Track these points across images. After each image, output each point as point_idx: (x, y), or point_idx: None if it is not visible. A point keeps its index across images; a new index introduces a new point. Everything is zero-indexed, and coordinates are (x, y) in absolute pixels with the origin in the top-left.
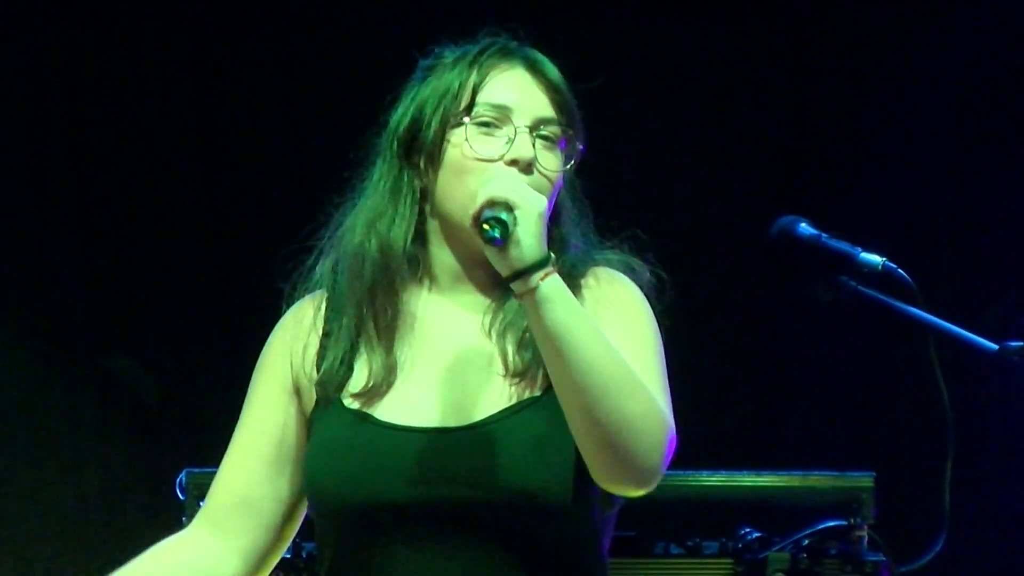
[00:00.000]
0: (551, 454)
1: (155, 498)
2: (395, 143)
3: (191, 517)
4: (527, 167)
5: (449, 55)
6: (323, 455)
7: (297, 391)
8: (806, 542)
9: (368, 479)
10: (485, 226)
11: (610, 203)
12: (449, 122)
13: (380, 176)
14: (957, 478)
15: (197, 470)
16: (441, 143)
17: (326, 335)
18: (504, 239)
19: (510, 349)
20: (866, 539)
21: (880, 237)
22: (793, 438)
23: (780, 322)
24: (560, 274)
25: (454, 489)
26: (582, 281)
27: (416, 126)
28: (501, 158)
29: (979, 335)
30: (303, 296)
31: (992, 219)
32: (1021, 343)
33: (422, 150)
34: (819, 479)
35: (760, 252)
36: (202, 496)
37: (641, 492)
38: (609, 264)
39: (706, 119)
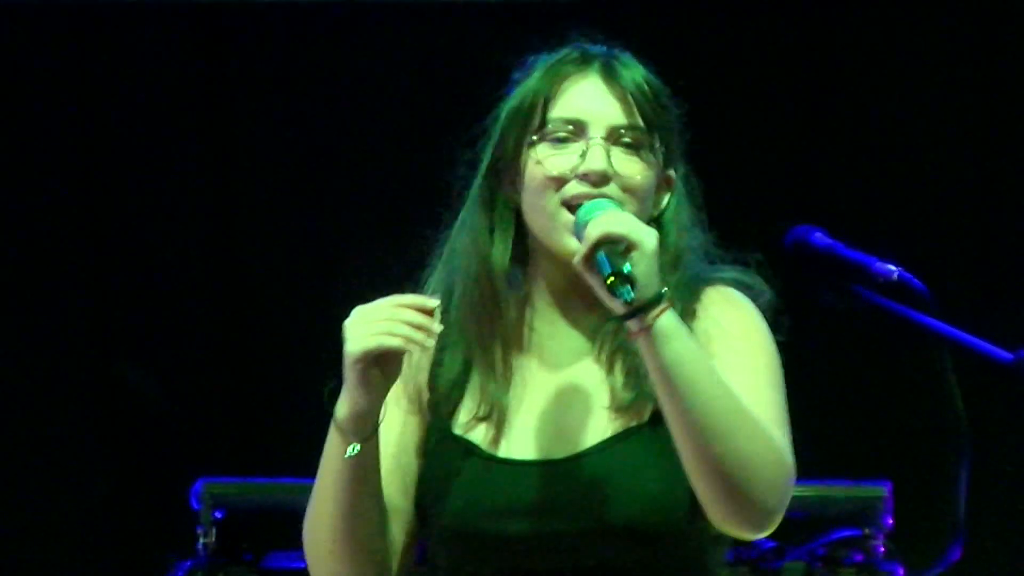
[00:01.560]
0: (654, 483)
1: (168, 507)
2: (487, 162)
3: (206, 526)
4: (601, 179)
5: (537, 65)
6: (435, 487)
7: (419, 399)
8: (822, 551)
9: (478, 514)
10: (611, 282)
11: None
12: (525, 141)
13: (478, 193)
14: (972, 487)
15: (213, 480)
16: (520, 163)
17: (440, 351)
18: (634, 292)
19: (619, 378)
20: (881, 548)
21: (895, 246)
22: (808, 448)
23: (795, 332)
24: (676, 293)
25: (560, 522)
26: (697, 302)
27: (501, 145)
28: (573, 172)
29: (994, 345)
30: None
31: (1008, 228)
32: None
33: (508, 169)
34: (834, 489)
35: (774, 261)
36: (217, 505)
37: (758, 535)
38: (725, 282)
39: (719, 125)
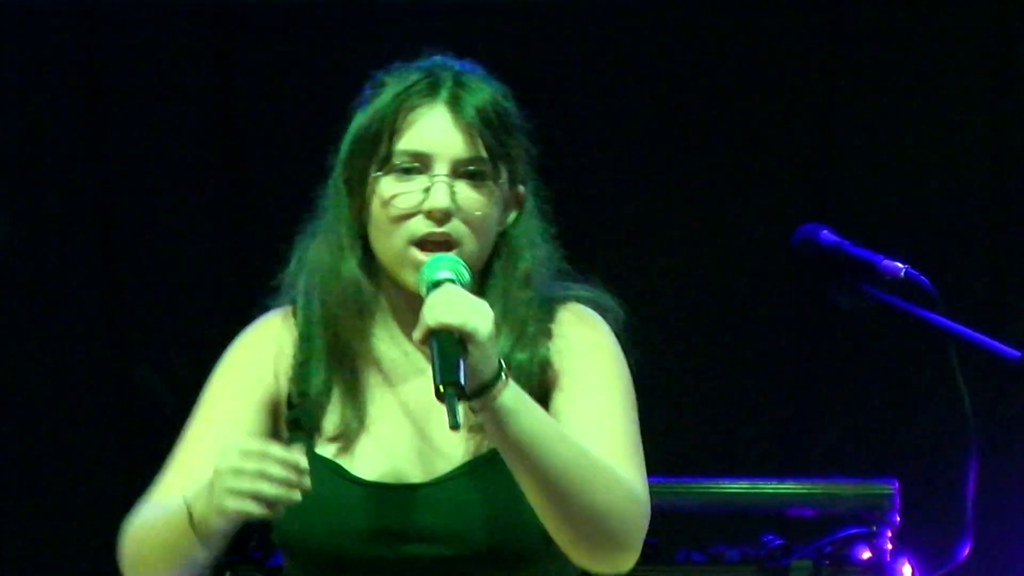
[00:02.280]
0: (513, 508)
1: None
2: (339, 176)
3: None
4: (444, 216)
5: (388, 81)
6: (293, 506)
7: (275, 410)
8: (828, 549)
9: (340, 535)
10: (439, 392)
11: (632, 207)
12: (370, 171)
13: (330, 206)
14: (980, 485)
15: None
16: (366, 191)
17: (302, 364)
18: (458, 415)
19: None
20: (889, 546)
21: (901, 244)
22: (815, 446)
23: (802, 330)
24: (527, 312)
25: (424, 546)
26: (552, 322)
27: (349, 166)
28: (418, 210)
29: (1001, 343)
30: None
31: (1016, 225)
32: None
33: (355, 193)
34: (841, 487)
35: (781, 259)
36: None
37: (615, 572)
38: (578, 300)
39: (726, 124)
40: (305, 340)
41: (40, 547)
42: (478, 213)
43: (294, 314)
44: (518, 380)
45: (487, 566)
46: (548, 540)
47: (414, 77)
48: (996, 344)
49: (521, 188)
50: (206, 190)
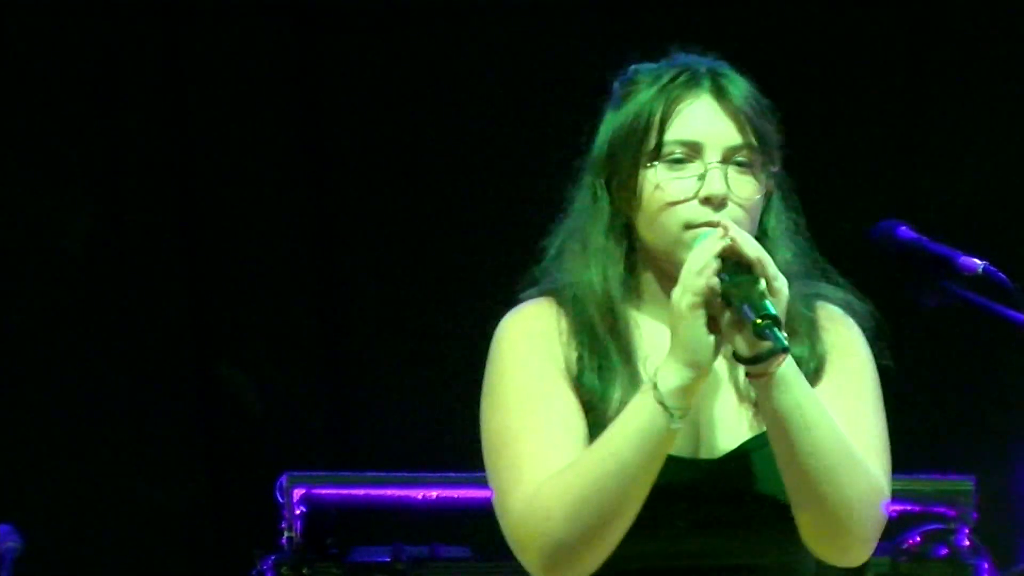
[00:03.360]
0: None
1: (254, 502)
2: (597, 174)
3: (289, 520)
4: (721, 203)
5: (642, 79)
6: None
7: (576, 392)
8: (906, 545)
9: (655, 511)
10: (761, 324)
11: None
12: (641, 162)
13: (590, 206)
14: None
15: (297, 473)
16: (636, 182)
17: (577, 343)
18: (780, 325)
19: (742, 376)
20: (967, 542)
21: (979, 241)
22: (894, 442)
23: (881, 326)
24: (791, 304)
25: (710, 520)
26: (815, 315)
27: (613, 162)
28: (695, 197)
29: None
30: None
31: None
32: None
33: (621, 186)
34: (920, 483)
35: (862, 256)
36: (302, 499)
37: (850, 564)
38: (831, 300)
39: (809, 119)
40: (578, 330)
41: (123, 545)
42: (753, 200)
43: (559, 303)
44: None
45: (761, 539)
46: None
47: (672, 71)
48: None
49: (771, 180)
50: (291, 190)
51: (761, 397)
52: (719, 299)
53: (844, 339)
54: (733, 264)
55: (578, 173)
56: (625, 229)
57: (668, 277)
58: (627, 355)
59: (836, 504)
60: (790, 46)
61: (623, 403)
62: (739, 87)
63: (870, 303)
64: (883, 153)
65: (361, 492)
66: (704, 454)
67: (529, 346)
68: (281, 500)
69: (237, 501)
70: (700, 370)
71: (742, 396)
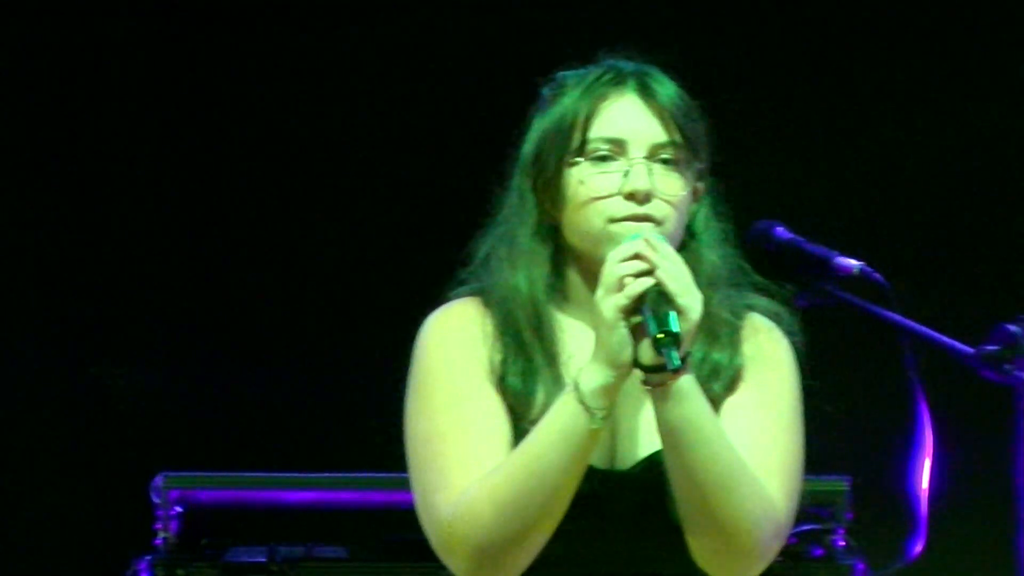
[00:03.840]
0: None
1: (128, 502)
2: (524, 177)
3: (165, 520)
4: (646, 197)
5: (568, 83)
6: None
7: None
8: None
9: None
10: (659, 339)
11: None
12: (566, 160)
13: (516, 208)
14: (934, 481)
15: (172, 473)
16: (561, 180)
17: (502, 345)
18: (679, 356)
19: None
20: (842, 543)
21: (855, 241)
22: None
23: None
24: (718, 309)
25: (621, 531)
26: (741, 329)
27: (539, 163)
28: (619, 192)
29: (956, 339)
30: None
31: (970, 223)
32: (997, 347)
33: (547, 187)
34: None
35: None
36: (177, 500)
37: None
38: (762, 312)
39: None
40: (503, 332)
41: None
42: (678, 196)
43: (485, 305)
44: (710, 379)
45: (674, 550)
46: None
47: (597, 72)
48: (950, 340)
49: (700, 184)
50: (169, 185)
51: (656, 408)
52: (634, 303)
53: (767, 351)
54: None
55: (505, 177)
56: (551, 231)
57: (594, 278)
58: (551, 357)
59: (725, 523)
60: (669, 44)
61: (546, 405)
62: (665, 87)
63: (798, 316)
64: (759, 153)
65: (237, 493)
66: (619, 465)
67: (455, 347)
68: (156, 500)
69: (112, 501)
70: (621, 370)
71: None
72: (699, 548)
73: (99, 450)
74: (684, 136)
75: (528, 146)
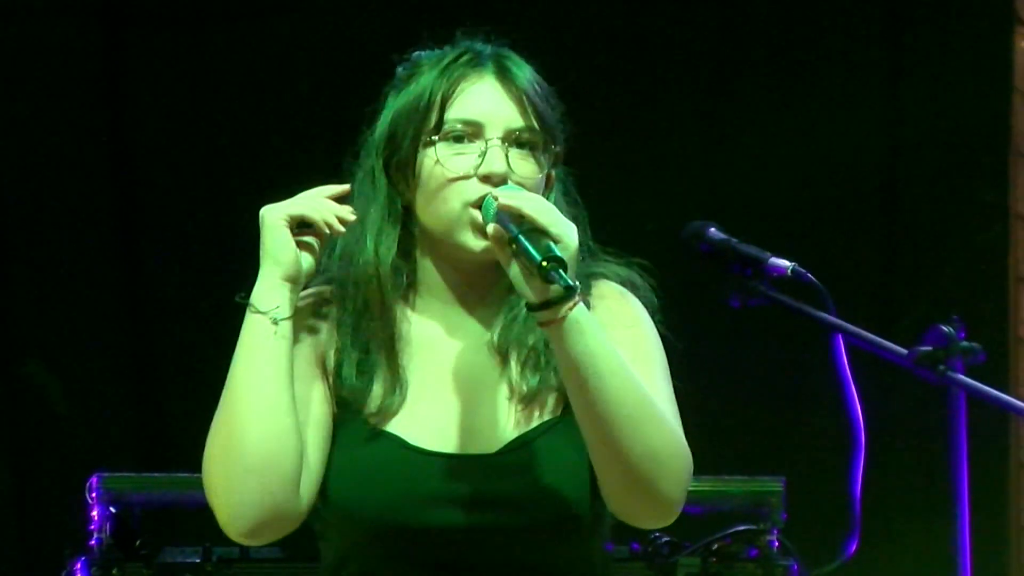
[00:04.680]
0: (577, 476)
1: (64, 502)
2: (376, 157)
3: (100, 521)
4: (501, 180)
5: (424, 63)
6: (353, 476)
7: (326, 377)
8: (716, 546)
9: (401, 505)
10: (545, 266)
11: None
12: (421, 140)
13: (366, 188)
14: (867, 482)
15: (107, 474)
16: (416, 161)
17: (341, 334)
18: (564, 266)
19: (515, 371)
20: (776, 543)
21: (789, 242)
22: (704, 443)
23: (689, 326)
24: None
25: (495, 515)
26: (590, 295)
27: (393, 143)
28: (475, 173)
29: (891, 340)
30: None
31: (903, 223)
32: (931, 347)
33: (401, 167)
34: (730, 483)
35: (668, 256)
36: (112, 500)
37: (660, 525)
38: (611, 277)
39: (615, 118)
40: (342, 321)
41: None
42: (533, 179)
43: (331, 294)
44: None
45: (548, 535)
46: (597, 511)
47: (455, 53)
48: (884, 342)
49: (553, 170)
50: (95, 188)
51: (556, 347)
52: (509, 248)
53: (621, 312)
54: (523, 220)
55: (358, 157)
56: (403, 212)
57: (444, 262)
58: (390, 347)
59: (640, 456)
60: (596, 44)
61: (383, 399)
62: (523, 70)
63: (653, 280)
64: (693, 153)
65: (172, 494)
66: (477, 450)
67: (295, 333)
68: (91, 501)
69: (47, 502)
70: (289, 277)
71: (513, 393)
72: (615, 488)
73: (34, 451)
74: (541, 121)
75: (381, 126)
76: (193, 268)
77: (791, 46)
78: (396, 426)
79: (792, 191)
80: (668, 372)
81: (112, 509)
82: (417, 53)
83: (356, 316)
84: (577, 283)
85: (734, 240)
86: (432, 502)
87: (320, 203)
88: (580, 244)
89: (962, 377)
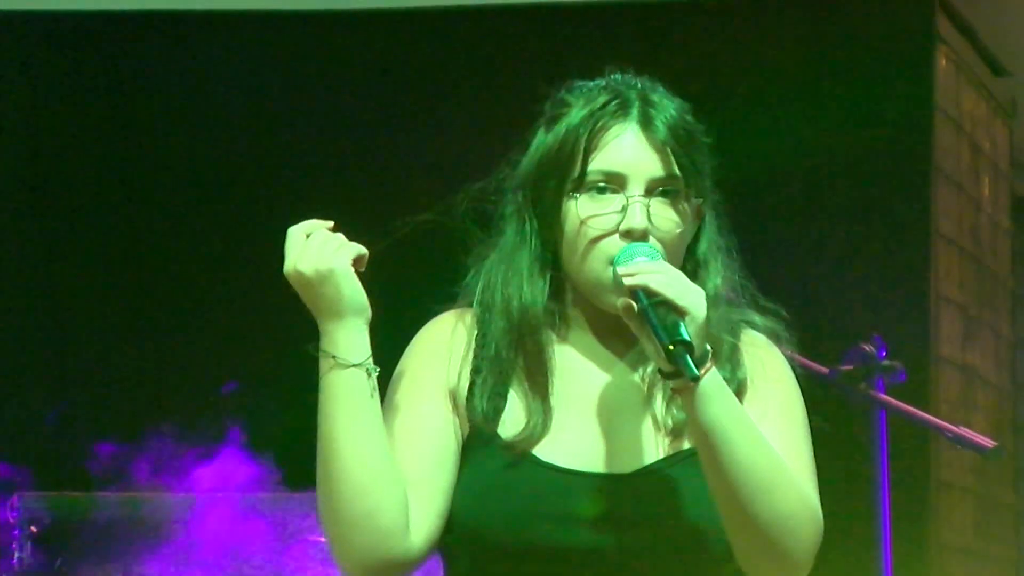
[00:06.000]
0: (713, 505)
1: None
2: (524, 198)
3: (23, 540)
4: (642, 236)
5: (573, 102)
6: (483, 493)
7: (454, 402)
8: None
9: (534, 521)
10: (671, 350)
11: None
12: (565, 189)
13: (518, 230)
14: None
15: (28, 493)
16: (559, 209)
17: (477, 360)
18: (694, 362)
19: (660, 406)
20: None
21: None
22: None
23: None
24: (718, 327)
25: (626, 536)
26: (736, 344)
27: (537, 187)
28: (616, 229)
29: (813, 359)
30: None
31: (824, 241)
32: (852, 366)
33: (546, 215)
34: None
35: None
36: (32, 519)
37: None
38: (757, 328)
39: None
40: (481, 346)
41: None
42: (675, 232)
43: (469, 317)
44: None
45: (685, 559)
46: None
47: (603, 98)
48: (806, 361)
49: (701, 202)
50: (12, 205)
51: (687, 412)
52: (639, 319)
53: (768, 366)
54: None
55: (504, 190)
56: (552, 256)
57: (592, 306)
58: (535, 375)
59: (769, 522)
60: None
61: (521, 422)
62: (667, 115)
63: (796, 334)
64: None
65: (92, 512)
66: (616, 469)
67: (416, 358)
68: (12, 520)
69: None
70: (368, 321)
71: (659, 426)
72: (744, 554)
73: None
74: (684, 168)
75: (528, 164)
76: (114, 284)
77: (711, 59)
78: (535, 447)
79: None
80: (807, 429)
81: (33, 528)
82: (565, 91)
83: (498, 347)
84: (709, 350)
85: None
86: (562, 520)
87: (340, 240)
88: (732, 283)
89: (883, 396)
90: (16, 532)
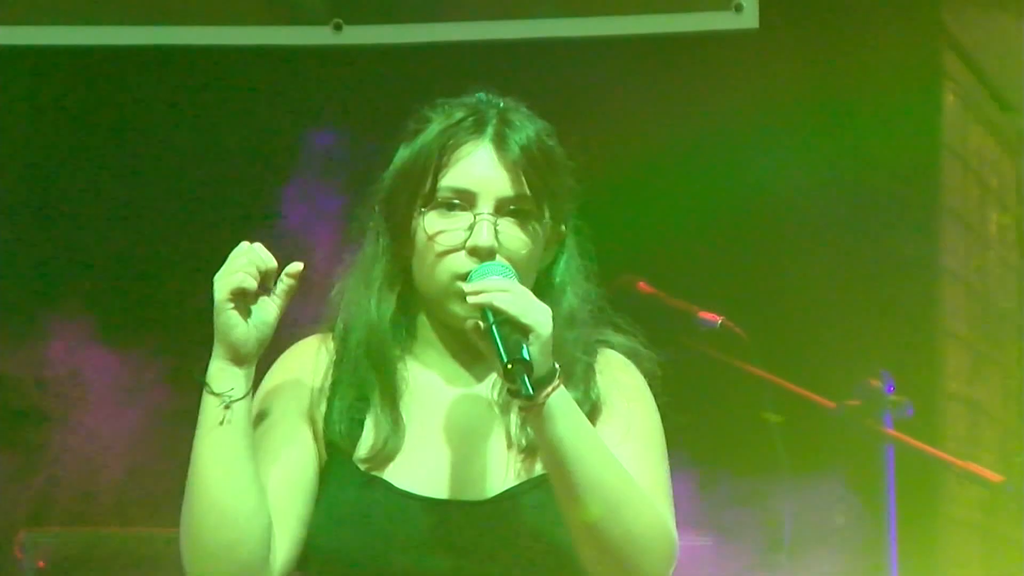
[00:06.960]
0: (566, 532)
1: None
2: (379, 213)
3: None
4: (488, 254)
5: (433, 119)
6: (340, 520)
7: (313, 427)
8: None
9: (390, 550)
10: (509, 369)
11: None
12: (416, 205)
13: (373, 246)
14: (799, 530)
15: (36, 529)
16: (409, 225)
17: (335, 381)
18: (531, 383)
19: (514, 424)
20: None
21: (719, 294)
22: None
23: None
24: (574, 348)
25: (484, 564)
26: (595, 363)
27: (391, 202)
28: (463, 246)
29: (820, 393)
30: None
31: (833, 277)
32: (860, 401)
33: (397, 231)
34: None
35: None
36: (40, 555)
37: None
38: (615, 346)
39: None
40: (339, 365)
41: None
42: (522, 252)
43: (332, 339)
44: None
45: None
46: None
47: (459, 114)
48: (812, 395)
49: (562, 226)
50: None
51: (535, 430)
52: (483, 336)
53: (624, 384)
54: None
55: (369, 204)
56: (402, 270)
57: (441, 322)
58: (387, 394)
59: (620, 540)
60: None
61: (374, 443)
62: (522, 135)
63: (656, 353)
64: (624, 207)
65: (99, 549)
66: (471, 496)
67: (282, 385)
68: (20, 556)
69: None
70: (238, 359)
71: (512, 445)
72: (594, 572)
73: None
74: (534, 189)
75: (387, 180)
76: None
77: (716, 95)
78: (387, 471)
79: (721, 244)
80: (664, 451)
81: (40, 564)
82: (433, 103)
83: (354, 363)
84: (556, 367)
85: (662, 295)
86: (416, 547)
87: (258, 258)
88: (588, 300)
89: (891, 431)
90: (23, 567)
